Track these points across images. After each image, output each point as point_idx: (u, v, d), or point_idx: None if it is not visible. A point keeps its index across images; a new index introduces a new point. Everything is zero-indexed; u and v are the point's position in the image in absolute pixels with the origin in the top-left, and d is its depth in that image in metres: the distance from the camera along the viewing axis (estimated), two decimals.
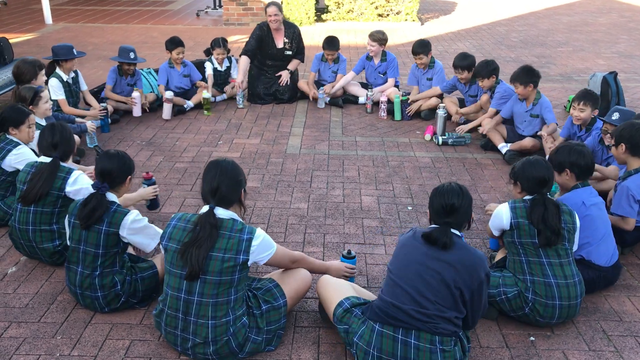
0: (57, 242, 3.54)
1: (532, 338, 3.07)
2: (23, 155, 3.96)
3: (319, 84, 7.00)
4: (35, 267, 3.65)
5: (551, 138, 5.03)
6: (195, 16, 13.05)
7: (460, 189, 2.71)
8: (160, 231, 3.26)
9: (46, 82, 5.35)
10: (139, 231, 3.14)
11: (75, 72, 5.86)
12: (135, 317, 3.19)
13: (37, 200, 3.45)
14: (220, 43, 6.79)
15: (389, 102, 6.51)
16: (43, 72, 5.19)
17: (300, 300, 3.14)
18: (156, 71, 6.88)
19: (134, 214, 3.11)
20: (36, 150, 4.11)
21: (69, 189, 3.48)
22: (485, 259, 2.69)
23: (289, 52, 6.91)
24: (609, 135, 4.34)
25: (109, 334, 3.05)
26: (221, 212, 2.76)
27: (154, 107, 6.55)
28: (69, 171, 3.52)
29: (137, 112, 6.37)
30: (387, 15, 12.13)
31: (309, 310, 3.26)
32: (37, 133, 4.16)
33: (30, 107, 4.45)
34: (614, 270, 3.41)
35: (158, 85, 6.63)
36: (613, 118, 4.31)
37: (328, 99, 6.82)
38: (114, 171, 3.15)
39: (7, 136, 4.03)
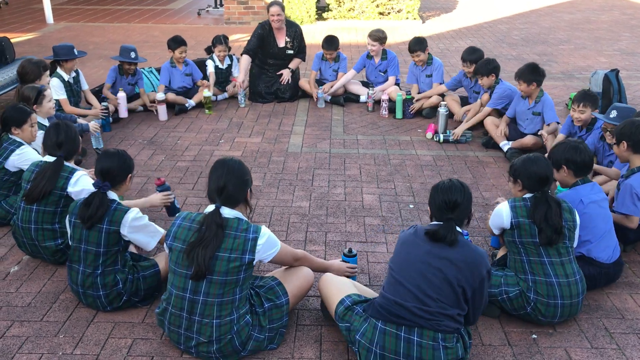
0: (59, 240, 3.54)
1: (534, 336, 3.07)
2: (26, 155, 3.96)
3: (320, 82, 7.00)
4: (38, 266, 3.66)
5: (552, 137, 5.02)
6: (196, 15, 13.06)
7: (461, 185, 2.73)
8: (161, 229, 3.28)
9: (48, 83, 5.36)
10: (140, 229, 3.14)
11: (77, 71, 5.86)
12: (137, 316, 3.19)
13: (40, 199, 3.46)
14: (221, 40, 6.79)
15: (390, 100, 6.51)
16: (47, 73, 5.21)
17: (302, 298, 3.14)
18: (157, 70, 6.89)
19: (134, 212, 3.11)
20: (39, 149, 4.13)
21: (70, 189, 3.48)
22: (486, 256, 2.69)
23: (291, 51, 6.90)
24: (609, 133, 4.34)
25: (111, 333, 3.06)
26: (226, 212, 2.75)
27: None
28: (72, 171, 3.52)
29: (123, 113, 6.27)
30: (388, 13, 12.11)
31: (311, 308, 3.27)
32: (39, 133, 4.18)
33: (34, 106, 4.46)
34: (615, 267, 3.40)
35: (159, 84, 6.62)
36: (611, 116, 4.30)
37: (328, 97, 6.82)
38: (114, 170, 3.15)
39: (10, 136, 4.03)
